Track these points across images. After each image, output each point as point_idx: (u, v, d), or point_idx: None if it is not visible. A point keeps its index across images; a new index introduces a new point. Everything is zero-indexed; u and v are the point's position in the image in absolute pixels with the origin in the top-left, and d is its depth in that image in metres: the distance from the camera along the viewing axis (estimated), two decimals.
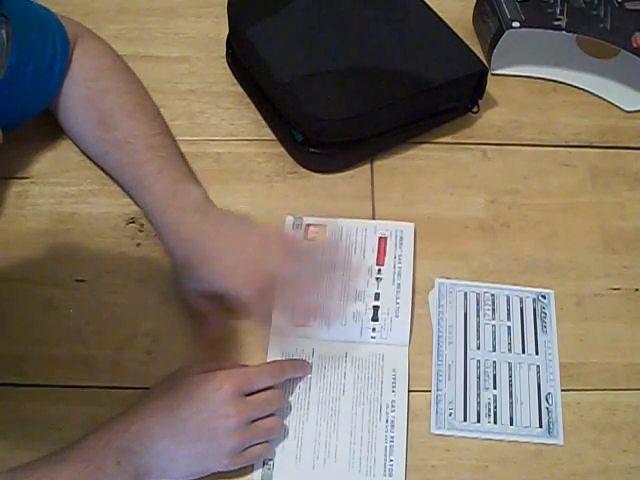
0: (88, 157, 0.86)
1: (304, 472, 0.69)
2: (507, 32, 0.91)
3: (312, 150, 0.86)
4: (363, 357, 0.75)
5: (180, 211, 0.76)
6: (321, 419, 0.71)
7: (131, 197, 0.83)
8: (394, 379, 0.73)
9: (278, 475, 0.68)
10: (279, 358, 0.74)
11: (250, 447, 0.67)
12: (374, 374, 0.74)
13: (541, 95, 0.96)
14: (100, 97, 0.83)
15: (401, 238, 0.82)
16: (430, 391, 0.73)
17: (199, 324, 0.75)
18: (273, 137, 0.90)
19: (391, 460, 0.69)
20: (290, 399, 0.72)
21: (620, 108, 0.94)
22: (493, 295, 0.79)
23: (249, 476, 0.68)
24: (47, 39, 0.80)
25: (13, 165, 0.86)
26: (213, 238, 0.75)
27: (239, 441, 0.66)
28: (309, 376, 0.73)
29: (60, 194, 0.85)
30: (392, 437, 0.70)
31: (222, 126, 0.91)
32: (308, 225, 0.82)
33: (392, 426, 0.71)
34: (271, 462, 0.69)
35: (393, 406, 0.72)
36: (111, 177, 0.85)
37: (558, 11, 0.93)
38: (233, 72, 0.95)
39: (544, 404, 0.73)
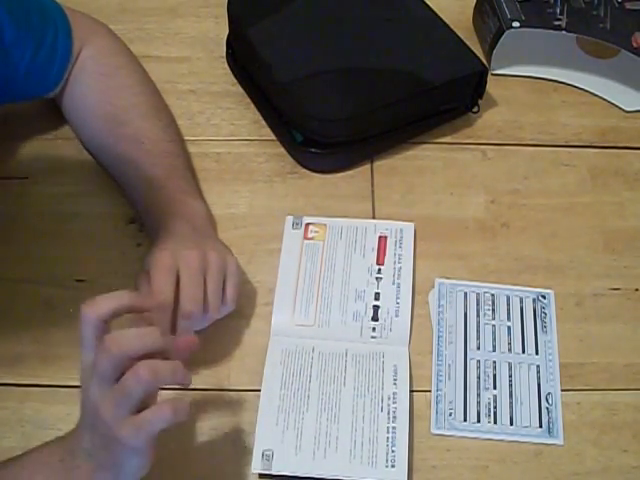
0: (88, 150, 0.86)
1: (304, 463, 0.68)
2: (507, 32, 0.91)
3: (312, 150, 0.86)
4: (364, 354, 0.74)
5: (179, 219, 0.75)
6: (322, 410, 0.71)
7: (125, 190, 0.82)
8: (395, 373, 0.73)
9: (278, 466, 0.68)
10: (279, 358, 0.74)
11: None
12: (375, 368, 0.74)
13: (541, 95, 0.96)
14: (114, 93, 0.83)
15: (401, 237, 0.82)
16: (430, 391, 0.73)
17: None
18: (273, 137, 0.90)
19: (393, 451, 0.69)
20: (290, 390, 0.72)
21: (620, 108, 0.94)
22: (493, 295, 0.79)
23: (248, 467, 0.68)
24: (48, 24, 0.79)
25: (13, 165, 0.86)
26: (186, 238, 0.73)
27: (109, 407, 0.55)
28: (309, 368, 0.73)
29: (60, 194, 0.85)
30: (394, 428, 0.70)
31: (222, 126, 0.91)
32: (308, 224, 0.82)
33: (394, 417, 0.70)
34: (271, 452, 0.68)
35: (394, 398, 0.71)
36: (107, 170, 0.84)
37: (558, 11, 0.93)
38: (233, 72, 0.95)
39: (544, 404, 0.73)
